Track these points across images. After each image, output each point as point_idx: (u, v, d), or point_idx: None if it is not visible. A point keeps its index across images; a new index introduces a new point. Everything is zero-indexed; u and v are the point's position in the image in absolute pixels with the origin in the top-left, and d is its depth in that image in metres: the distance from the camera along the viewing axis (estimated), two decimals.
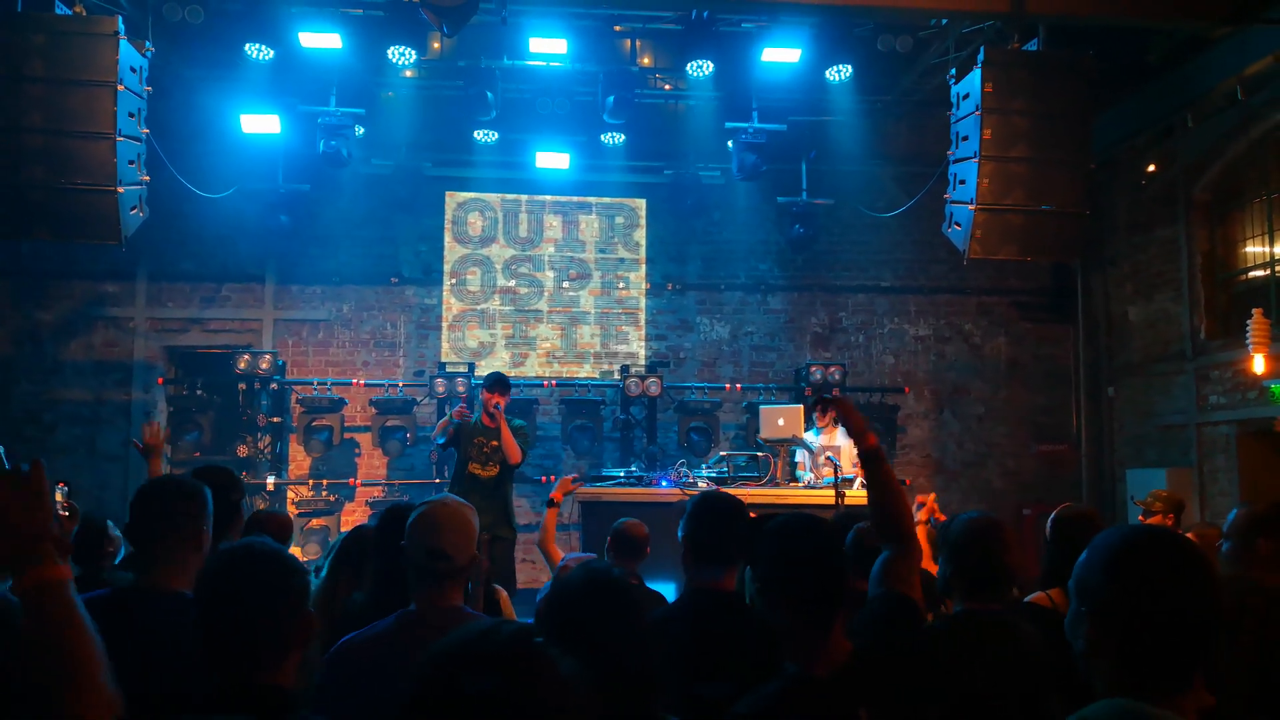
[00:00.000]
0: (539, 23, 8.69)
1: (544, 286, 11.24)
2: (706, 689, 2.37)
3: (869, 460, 2.63)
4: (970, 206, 7.28)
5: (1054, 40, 7.92)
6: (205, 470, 3.17)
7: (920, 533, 3.81)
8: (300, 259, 10.86)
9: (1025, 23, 7.63)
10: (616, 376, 10.57)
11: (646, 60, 9.90)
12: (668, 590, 4.17)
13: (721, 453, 8.57)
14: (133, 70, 6.90)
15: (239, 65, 8.48)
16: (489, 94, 9.15)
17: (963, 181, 7.45)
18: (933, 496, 4.90)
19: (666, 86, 10.26)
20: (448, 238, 11.14)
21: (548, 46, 8.89)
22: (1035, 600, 3.27)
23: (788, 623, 2.13)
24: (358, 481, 10.67)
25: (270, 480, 9.88)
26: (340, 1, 8.37)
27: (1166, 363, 10.03)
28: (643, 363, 11.01)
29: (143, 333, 10.69)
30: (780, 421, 7.83)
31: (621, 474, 7.99)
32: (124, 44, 6.75)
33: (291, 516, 10.20)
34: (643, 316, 11.30)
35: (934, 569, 3.25)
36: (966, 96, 7.47)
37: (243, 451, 9.73)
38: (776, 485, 7.51)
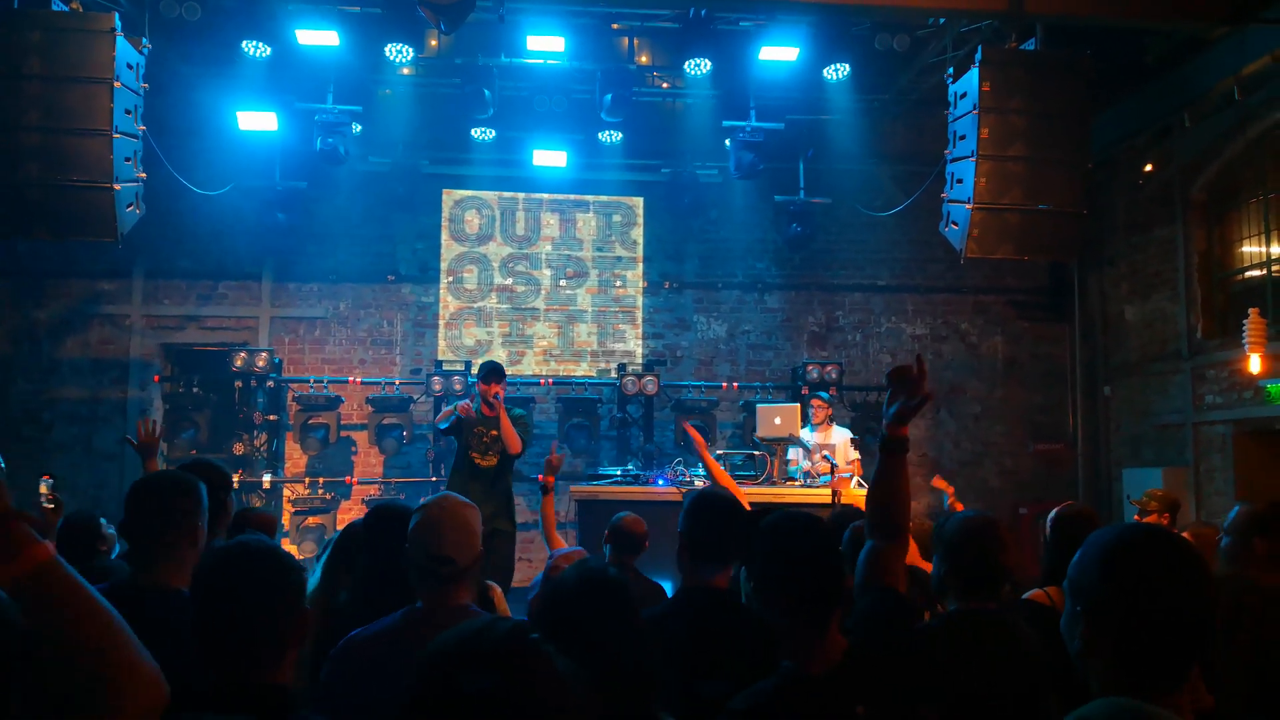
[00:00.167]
0: (537, 20, 8.68)
1: (541, 285, 11.23)
2: (703, 687, 2.37)
3: (895, 448, 2.45)
4: (967, 205, 7.27)
5: (1052, 40, 7.92)
6: (195, 466, 3.15)
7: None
8: (297, 256, 10.85)
9: (1023, 22, 7.63)
10: (613, 375, 10.57)
11: (644, 58, 9.90)
12: (665, 587, 4.17)
13: (718, 451, 8.56)
14: (129, 67, 6.89)
15: (236, 62, 8.46)
16: (486, 92, 9.14)
17: (960, 181, 7.45)
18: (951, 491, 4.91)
19: (664, 85, 10.25)
20: (445, 235, 11.13)
21: (545, 44, 8.88)
22: (1033, 597, 3.27)
23: (783, 621, 2.13)
24: (354, 479, 10.66)
25: (266, 478, 9.87)
26: None
27: (1163, 362, 10.04)
28: (639, 361, 11.00)
29: (139, 330, 10.67)
30: (777, 420, 7.83)
31: (618, 472, 8.00)
32: (121, 41, 6.74)
33: (287, 514, 10.22)
34: (640, 315, 11.30)
35: (927, 567, 3.25)
36: (964, 96, 7.47)
37: (239, 449, 9.71)
38: (773, 484, 7.51)
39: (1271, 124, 8.67)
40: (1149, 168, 10.07)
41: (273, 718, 1.68)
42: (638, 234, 11.35)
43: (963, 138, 7.43)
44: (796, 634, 2.12)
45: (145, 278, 10.70)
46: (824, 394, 8.74)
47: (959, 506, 4.61)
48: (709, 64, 8.66)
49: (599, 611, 1.80)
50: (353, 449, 10.73)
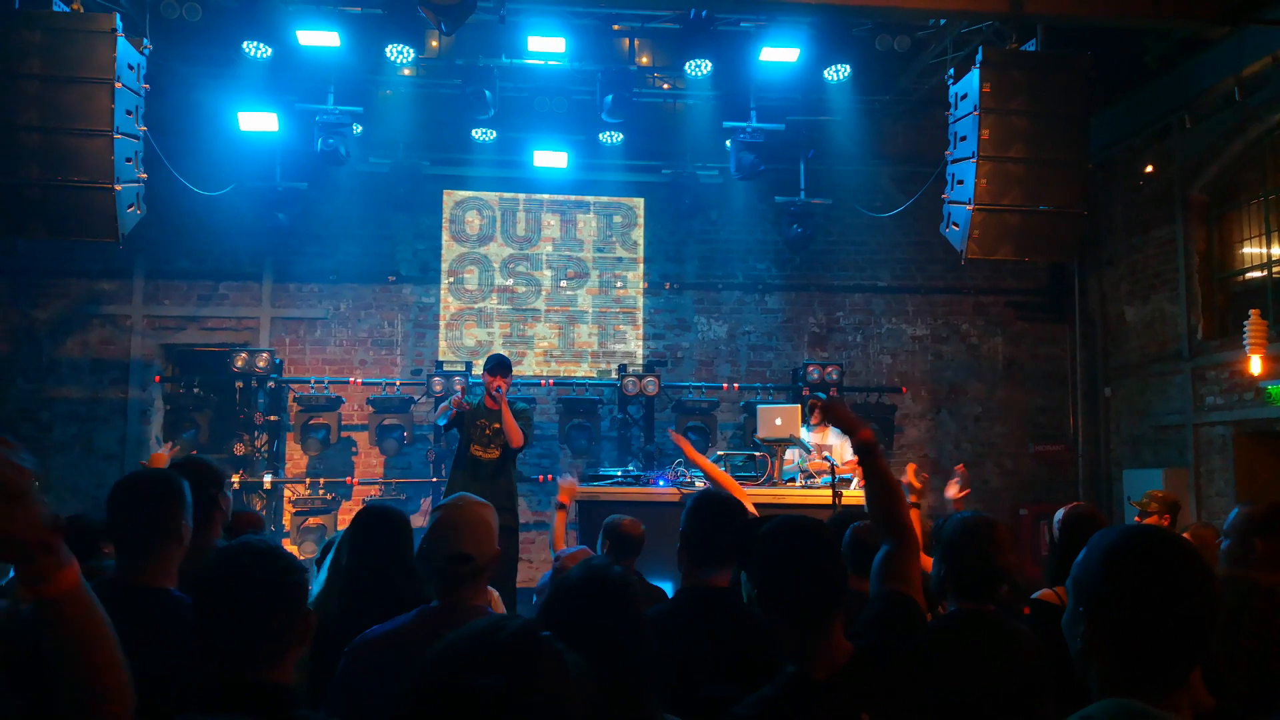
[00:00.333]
0: (537, 21, 8.68)
1: (541, 285, 11.23)
2: (705, 688, 2.37)
3: (863, 453, 2.61)
4: (968, 206, 7.28)
5: (1052, 41, 7.93)
6: (183, 464, 3.15)
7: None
8: (297, 257, 10.85)
9: (1023, 23, 7.64)
10: (614, 376, 10.56)
11: (645, 59, 9.90)
12: (666, 589, 4.17)
13: (719, 452, 8.56)
14: (130, 68, 6.89)
15: (237, 63, 8.46)
16: (487, 92, 9.14)
17: (960, 181, 7.46)
18: (960, 465, 4.94)
19: (665, 86, 10.26)
20: (445, 236, 11.13)
21: (546, 45, 8.88)
22: (1042, 597, 3.28)
23: (785, 626, 2.13)
24: (355, 480, 10.65)
25: (267, 479, 9.87)
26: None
27: (1163, 363, 10.04)
28: (640, 362, 11.00)
29: (139, 331, 10.67)
30: (778, 421, 7.83)
31: (619, 473, 7.98)
32: (122, 41, 6.73)
33: (288, 514, 10.22)
34: (640, 316, 11.30)
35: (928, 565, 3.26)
36: (964, 96, 7.47)
37: (240, 450, 9.71)
38: (774, 485, 7.51)
39: (1272, 124, 8.67)
40: (1149, 168, 10.07)
41: (273, 717, 1.68)
42: (638, 235, 11.35)
43: (963, 139, 7.43)
44: (798, 639, 2.11)
45: (145, 278, 10.70)
46: (823, 395, 8.74)
47: (957, 499, 4.61)
48: (709, 65, 8.66)
49: (604, 610, 1.80)
50: (353, 449, 10.73)
